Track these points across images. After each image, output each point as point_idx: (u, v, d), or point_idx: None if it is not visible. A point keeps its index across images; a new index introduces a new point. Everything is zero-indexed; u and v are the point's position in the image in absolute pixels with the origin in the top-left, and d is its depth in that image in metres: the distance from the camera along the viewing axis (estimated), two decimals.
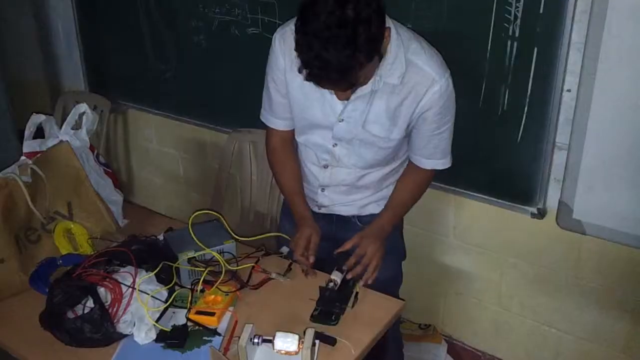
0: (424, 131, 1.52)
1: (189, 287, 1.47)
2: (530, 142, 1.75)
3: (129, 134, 3.08)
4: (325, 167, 1.64)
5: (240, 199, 2.53)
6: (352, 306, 1.45)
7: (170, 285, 1.41)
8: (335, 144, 1.58)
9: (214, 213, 1.66)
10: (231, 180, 2.49)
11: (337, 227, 1.74)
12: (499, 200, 1.90)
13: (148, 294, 1.35)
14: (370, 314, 1.43)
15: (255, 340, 1.23)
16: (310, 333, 1.22)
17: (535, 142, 1.74)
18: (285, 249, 1.68)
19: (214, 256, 1.53)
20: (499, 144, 1.81)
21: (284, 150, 1.69)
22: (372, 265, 1.50)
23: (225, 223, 1.64)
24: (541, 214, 1.82)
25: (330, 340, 1.32)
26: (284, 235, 1.68)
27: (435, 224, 2.11)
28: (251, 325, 1.23)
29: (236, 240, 1.60)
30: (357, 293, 1.48)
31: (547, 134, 1.71)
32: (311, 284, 1.51)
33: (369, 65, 1.31)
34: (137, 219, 1.88)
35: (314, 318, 1.39)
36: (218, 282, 1.46)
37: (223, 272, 1.49)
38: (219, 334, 1.34)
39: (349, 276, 1.47)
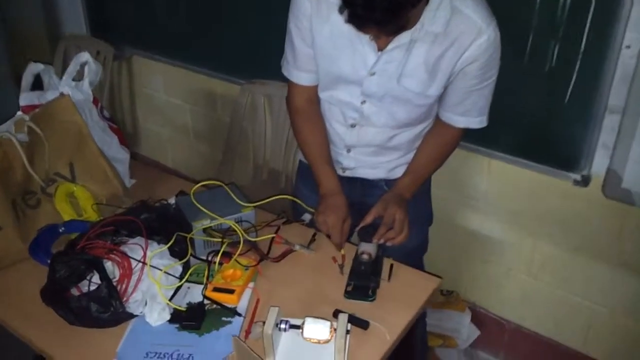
0: (463, 86, 1.35)
1: (206, 259, 1.34)
2: (580, 103, 1.58)
3: (134, 82, 2.90)
4: (353, 126, 1.48)
5: (253, 156, 2.38)
6: (389, 279, 1.32)
7: (185, 259, 1.28)
8: (364, 101, 1.41)
9: (218, 183, 1.51)
10: (243, 135, 2.33)
11: (362, 192, 1.59)
12: (538, 165, 1.74)
13: (161, 270, 1.22)
14: (403, 293, 1.30)
15: (282, 326, 1.10)
16: (343, 319, 1.09)
17: (585, 103, 1.57)
18: (307, 217, 1.54)
19: (230, 225, 1.40)
20: (543, 104, 1.64)
21: (311, 110, 1.51)
22: (403, 234, 1.37)
23: (230, 193, 1.50)
24: (585, 181, 1.67)
25: (362, 324, 1.20)
26: (303, 205, 1.54)
27: (466, 188, 1.97)
28: (277, 308, 1.11)
29: (253, 206, 1.46)
30: (392, 265, 1.36)
31: (600, 94, 1.54)
32: (333, 253, 1.38)
33: (419, 5, 1.13)
34: (145, 179, 1.75)
35: (348, 294, 1.28)
36: (236, 253, 1.33)
37: (241, 244, 1.35)
38: (239, 314, 1.21)
39: (382, 240, 1.35)
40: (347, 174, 1.57)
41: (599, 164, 1.63)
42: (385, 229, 1.36)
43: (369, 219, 1.39)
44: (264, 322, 1.08)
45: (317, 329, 1.09)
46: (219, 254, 1.32)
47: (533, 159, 1.74)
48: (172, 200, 1.54)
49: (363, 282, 1.29)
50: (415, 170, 1.50)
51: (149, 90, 2.85)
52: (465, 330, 2.02)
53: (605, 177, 1.62)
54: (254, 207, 1.46)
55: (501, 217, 1.93)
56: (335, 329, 1.08)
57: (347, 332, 1.08)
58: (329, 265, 1.37)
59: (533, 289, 1.96)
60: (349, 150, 1.53)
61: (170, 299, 1.22)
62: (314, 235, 1.46)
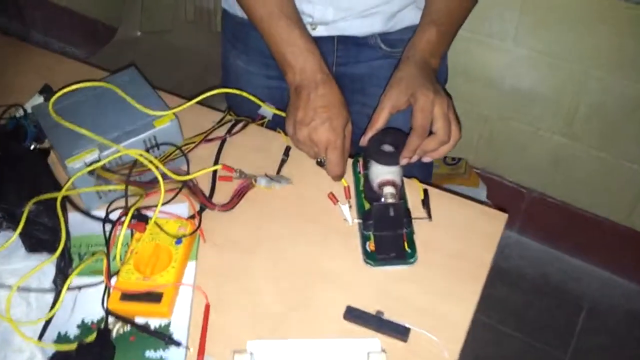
0: None
1: (103, 232, 0.74)
2: None
3: None
4: None
5: None
6: (429, 215, 0.79)
7: (60, 249, 0.68)
8: None
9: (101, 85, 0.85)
10: None
11: (343, 60, 0.98)
12: None
13: (10, 287, 0.63)
14: (452, 243, 0.77)
15: None
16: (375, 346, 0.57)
17: None
18: (268, 113, 0.93)
19: (137, 159, 0.78)
20: None
21: None
22: (452, 140, 0.79)
23: (142, 76, 0.86)
24: None
25: (399, 332, 0.68)
26: (255, 100, 0.91)
27: (488, 23, 1.35)
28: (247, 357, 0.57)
29: (173, 112, 0.84)
30: (425, 191, 0.82)
31: None
32: (327, 186, 0.82)
33: None
34: None
35: (376, 259, 0.75)
36: (156, 212, 0.74)
37: (162, 190, 0.76)
38: (177, 343, 0.67)
39: (416, 158, 0.79)
40: (319, 31, 0.93)
41: None
42: (420, 135, 0.77)
43: (380, 120, 0.80)
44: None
45: None
46: (127, 220, 0.72)
47: None
48: (28, 107, 0.89)
49: (393, 233, 0.75)
50: (440, 13, 0.87)
51: None
52: (484, 202, 1.55)
53: None
54: (176, 112, 0.83)
55: (534, 60, 1.36)
56: None
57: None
58: (321, 209, 0.81)
59: (568, 153, 1.48)
60: None
61: (41, 336, 0.65)
62: (286, 153, 0.87)
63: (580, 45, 1.29)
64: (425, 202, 0.81)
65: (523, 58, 1.36)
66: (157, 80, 0.93)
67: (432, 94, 0.76)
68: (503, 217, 0.82)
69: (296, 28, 0.79)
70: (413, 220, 0.78)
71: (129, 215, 0.71)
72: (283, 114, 0.88)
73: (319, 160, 0.83)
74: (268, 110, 0.93)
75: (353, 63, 0.97)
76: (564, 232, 1.63)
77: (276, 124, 0.93)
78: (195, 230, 0.76)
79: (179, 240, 0.74)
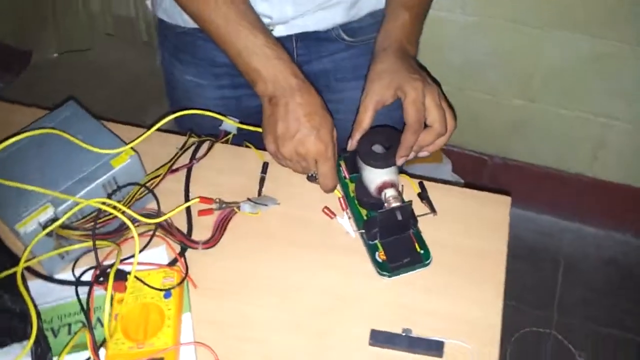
0: None
1: (77, 298, 0.64)
2: None
3: None
4: None
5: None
6: (433, 209, 0.74)
7: (33, 338, 0.58)
8: None
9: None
10: None
11: (306, 56, 0.90)
12: None
13: None
14: (460, 239, 0.72)
15: None
16: None
17: None
18: (231, 128, 0.84)
19: (100, 208, 0.67)
20: None
21: None
22: (449, 130, 0.73)
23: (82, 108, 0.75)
24: None
25: (433, 347, 0.63)
26: (217, 115, 0.81)
27: None
28: None
29: (130, 147, 0.73)
30: (421, 184, 0.77)
31: None
32: (319, 199, 0.74)
33: None
34: None
35: (392, 269, 0.68)
36: (134, 263, 0.64)
37: (136, 239, 0.66)
38: None
39: (414, 155, 0.73)
40: (278, 31, 0.85)
41: None
42: (416, 131, 0.70)
43: (367, 119, 0.72)
44: None
45: None
46: (110, 281, 0.62)
47: None
48: None
49: (401, 236, 0.70)
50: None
51: None
52: (451, 182, 1.52)
53: None
54: (134, 146, 0.73)
55: (486, 26, 1.32)
56: None
57: None
58: (318, 227, 0.73)
59: (527, 115, 1.46)
60: None
61: None
62: (264, 170, 0.79)
63: (532, 6, 1.26)
64: (424, 196, 0.76)
65: (473, 26, 1.32)
66: (83, 104, 0.81)
67: (421, 84, 0.69)
68: (507, 200, 0.77)
69: (259, 33, 0.70)
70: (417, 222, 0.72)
71: (112, 274, 0.61)
72: (249, 128, 0.80)
73: (310, 175, 0.75)
74: (230, 125, 0.84)
75: (315, 60, 0.89)
76: (531, 192, 1.63)
77: (242, 138, 0.84)
78: (184, 278, 0.66)
79: (167, 293, 0.65)
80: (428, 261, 0.69)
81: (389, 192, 0.69)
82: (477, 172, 1.64)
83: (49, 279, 0.68)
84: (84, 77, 1.58)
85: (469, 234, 0.73)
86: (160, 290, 0.64)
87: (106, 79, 1.59)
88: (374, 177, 0.71)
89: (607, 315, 1.49)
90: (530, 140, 1.52)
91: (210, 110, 0.82)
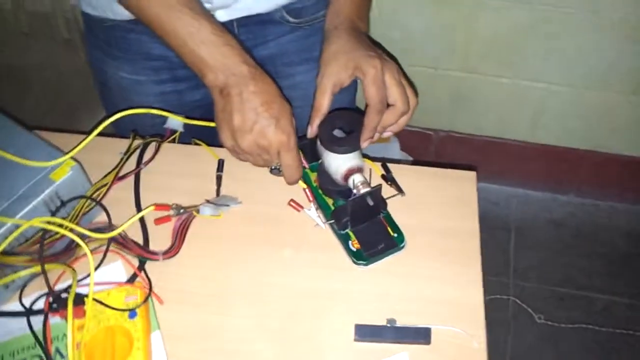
0: None
1: (30, 330, 0.57)
2: None
3: None
4: None
5: None
6: (400, 190, 0.72)
7: None
8: None
9: None
10: None
11: (250, 41, 0.85)
12: None
13: None
14: (428, 216, 0.70)
15: None
16: None
17: None
18: (177, 124, 0.78)
19: (44, 228, 0.61)
20: None
21: None
22: (411, 108, 0.70)
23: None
24: None
25: (421, 335, 0.60)
26: (162, 112, 0.76)
27: None
28: None
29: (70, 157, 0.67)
30: (385, 166, 0.74)
31: None
32: (282, 193, 0.70)
33: None
34: None
35: (368, 257, 0.66)
36: (91, 285, 0.58)
37: (90, 258, 0.60)
38: None
39: (377, 136, 0.71)
40: (219, 17, 0.79)
41: None
42: (379, 111, 0.67)
43: (324, 103, 0.68)
44: None
45: None
46: (69, 308, 0.56)
47: None
48: None
49: (372, 222, 0.68)
50: None
51: None
52: (401, 161, 1.50)
53: None
54: (74, 155, 0.66)
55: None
56: None
57: None
58: (284, 222, 0.69)
59: (468, 86, 1.47)
60: None
61: None
62: (220, 167, 0.74)
63: None
64: (389, 177, 0.73)
65: (407, 1, 1.31)
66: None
67: (379, 61, 0.66)
68: (472, 175, 0.76)
69: (204, 20, 0.65)
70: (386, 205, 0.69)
71: (71, 299, 0.55)
72: (198, 123, 0.74)
73: (272, 167, 0.70)
74: (177, 121, 0.78)
75: (261, 45, 0.84)
76: (476, 163, 1.64)
77: (189, 135, 0.79)
78: (149, 294, 0.61)
79: (132, 313, 0.59)
80: (403, 244, 0.67)
81: (357, 178, 0.66)
82: (423, 148, 1.64)
83: None
84: (1, 83, 1.46)
85: (439, 213, 0.71)
86: (124, 310, 0.59)
87: (26, 83, 1.47)
88: (339, 163, 0.67)
89: (561, 275, 1.54)
90: (473, 112, 1.53)
91: (153, 108, 0.76)
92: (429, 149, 1.65)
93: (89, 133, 0.69)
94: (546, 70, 1.39)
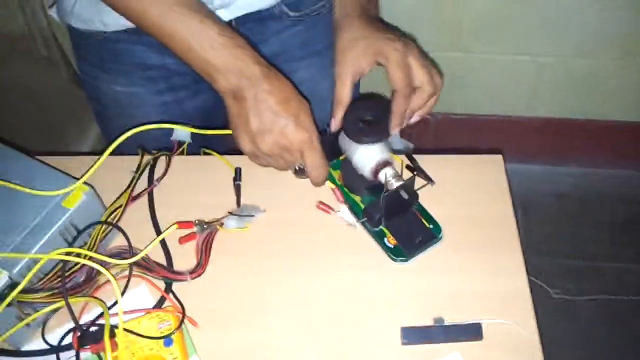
0: None
1: None
2: None
3: None
4: None
5: None
6: (430, 180, 0.68)
7: None
8: None
9: None
10: None
11: (250, 40, 0.81)
12: None
13: None
14: (460, 207, 0.67)
15: None
16: None
17: None
18: (185, 135, 0.74)
19: (60, 261, 0.57)
20: None
21: None
22: (438, 89, 0.67)
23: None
24: None
25: (472, 332, 0.58)
26: (170, 124, 0.72)
27: None
28: None
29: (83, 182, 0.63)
30: (410, 157, 0.71)
31: None
32: (309, 196, 0.67)
33: None
34: None
35: (408, 252, 0.63)
36: (120, 315, 0.55)
37: (116, 287, 0.56)
38: None
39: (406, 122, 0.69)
40: (221, 16, 0.75)
41: None
42: (407, 96, 0.64)
43: (346, 94, 0.65)
44: None
45: None
46: (105, 338, 0.52)
47: None
48: None
49: (406, 216, 0.65)
50: None
51: None
52: (402, 151, 1.48)
53: None
54: (86, 180, 0.62)
55: None
56: None
57: None
58: (315, 227, 0.66)
59: (462, 67, 1.44)
60: None
61: None
62: (238, 175, 0.70)
63: None
64: (416, 167, 0.70)
65: None
66: None
67: (401, 44, 0.63)
68: (499, 159, 0.74)
69: (210, 21, 0.61)
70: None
71: (107, 331, 0.52)
72: (207, 132, 0.71)
73: (296, 168, 0.67)
74: (184, 132, 0.74)
75: (261, 43, 0.80)
76: (476, 142, 1.63)
77: (197, 146, 0.75)
78: (183, 318, 0.57)
79: (168, 341, 0.56)
80: (440, 235, 0.64)
81: (389, 172, 0.63)
82: (421, 133, 1.62)
83: (19, 353, 0.57)
84: None
85: (471, 202, 0.69)
86: (159, 338, 0.55)
87: (8, 105, 1.41)
88: (367, 157, 0.64)
89: (570, 247, 1.53)
90: (468, 91, 1.51)
91: (153, 122, 0.72)
92: (429, 132, 1.63)
93: (99, 154, 0.65)
94: (537, 43, 1.37)
